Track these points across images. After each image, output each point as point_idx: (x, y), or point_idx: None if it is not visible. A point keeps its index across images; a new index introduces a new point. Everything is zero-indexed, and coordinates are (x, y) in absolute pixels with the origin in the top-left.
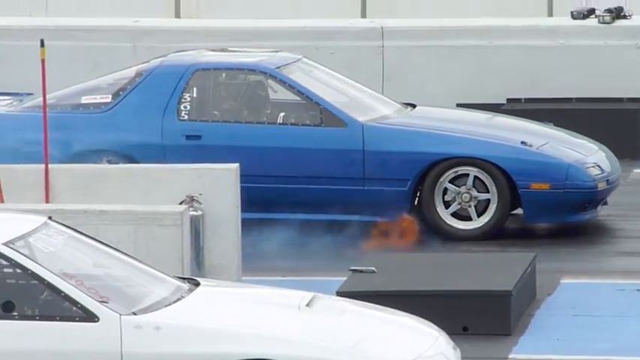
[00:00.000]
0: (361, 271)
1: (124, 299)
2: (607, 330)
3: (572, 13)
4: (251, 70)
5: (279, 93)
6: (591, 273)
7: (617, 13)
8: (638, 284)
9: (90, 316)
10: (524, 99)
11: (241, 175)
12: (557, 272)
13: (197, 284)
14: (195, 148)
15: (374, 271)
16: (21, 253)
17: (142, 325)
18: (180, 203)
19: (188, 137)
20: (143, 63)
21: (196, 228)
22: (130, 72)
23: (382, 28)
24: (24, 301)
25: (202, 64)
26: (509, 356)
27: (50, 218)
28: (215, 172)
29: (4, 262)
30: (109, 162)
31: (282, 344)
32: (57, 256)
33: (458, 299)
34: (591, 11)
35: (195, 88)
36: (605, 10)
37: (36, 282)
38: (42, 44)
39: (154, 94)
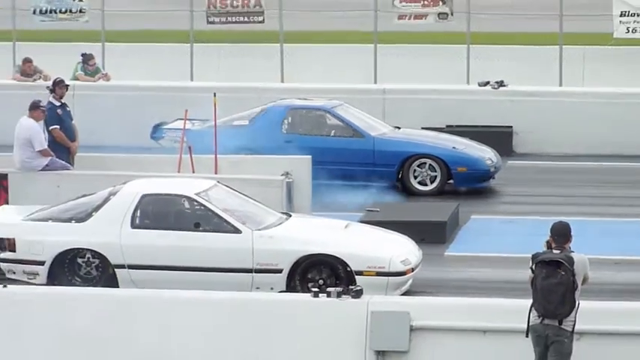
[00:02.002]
0: (371, 211)
1: (254, 222)
2: (496, 241)
3: (478, 82)
4: (317, 109)
5: (331, 120)
6: (487, 213)
7: (501, 83)
8: (512, 218)
9: (237, 231)
10: (455, 125)
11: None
12: (470, 212)
13: (290, 216)
14: (290, 147)
15: (378, 211)
16: (203, 198)
17: (262, 235)
18: (282, 175)
19: (286, 141)
20: (263, 105)
21: (289, 188)
22: (258, 109)
23: (385, 89)
24: (204, 222)
25: (293, 105)
26: (445, 253)
27: (218, 182)
28: (299, 160)
29: (195, 203)
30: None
31: (333, 246)
32: (221, 200)
33: (420, 224)
34: (487, 82)
35: (290, 117)
36: (495, 81)
37: (210, 213)
38: (214, 95)
39: (269, 120)
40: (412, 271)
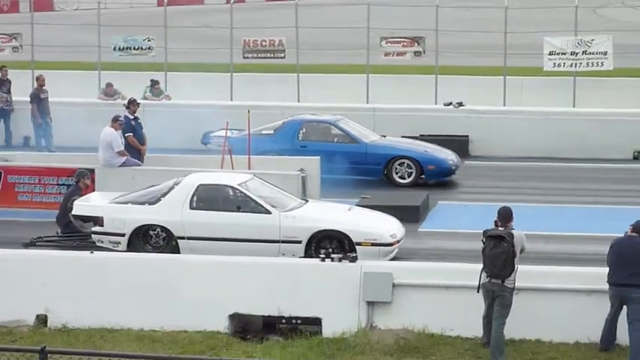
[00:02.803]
0: (364, 198)
1: (281, 206)
2: (457, 221)
3: (443, 103)
4: (325, 122)
5: (334, 131)
6: (450, 199)
7: (460, 104)
8: (469, 204)
9: (268, 212)
10: (426, 134)
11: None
12: (437, 199)
13: (307, 201)
14: (304, 151)
15: (369, 198)
16: (243, 188)
17: (287, 215)
18: (298, 171)
19: (301, 147)
20: (284, 119)
21: (303, 180)
22: (280, 122)
23: (374, 108)
24: (244, 206)
25: (307, 119)
26: (418, 229)
27: (254, 176)
28: (310, 160)
29: (237, 191)
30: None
31: (339, 223)
32: (256, 189)
33: (400, 208)
34: (450, 103)
35: (304, 129)
36: (456, 102)
37: (249, 199)
38: (248, 111)
39: (288, 130)
40: (398, 242)
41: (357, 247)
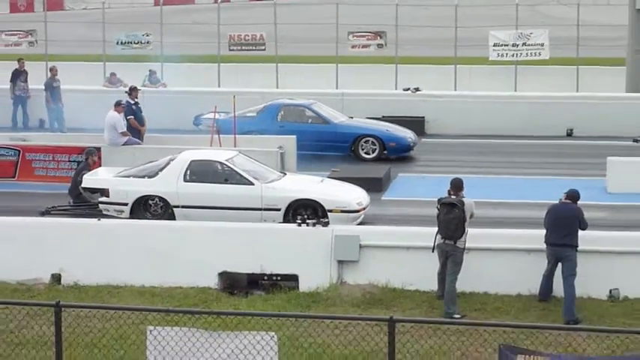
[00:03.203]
0: (334, 171)
1: (262, 178)
2: (415, 190)
3: (403, 88)
4: (300, 105)
5: (309, 113)
6: (409, 172)
7: (417, 89)
8: (425, 175)
9: (251, 184)
10: (388, 116)
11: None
12: (397, 171)
13: (285, 174)
14: (282, 131)
15: (338, 171)
16: (230, 162)
17: (268, 187)
18: (277, 148)
19: (280, 127)
20: (265, 103)
21: (282, 156)
22: (262, 106)
23: (343, 93)
24: (231, 178)
25: (286, 103)
26: (381, 198)
27: (239, 152)
28: (288, 139)
29: (225, 165)
30: (256, 134)
31: (313, 193)
32: (241, 164)
33: (365, 180)
34: (408, 88)
35: (283, 111)
36: (414, 87)
37: (234, 173)
38: (234, 97)
39: (269, 113)
40: (364, 209)
41: (328, 213)
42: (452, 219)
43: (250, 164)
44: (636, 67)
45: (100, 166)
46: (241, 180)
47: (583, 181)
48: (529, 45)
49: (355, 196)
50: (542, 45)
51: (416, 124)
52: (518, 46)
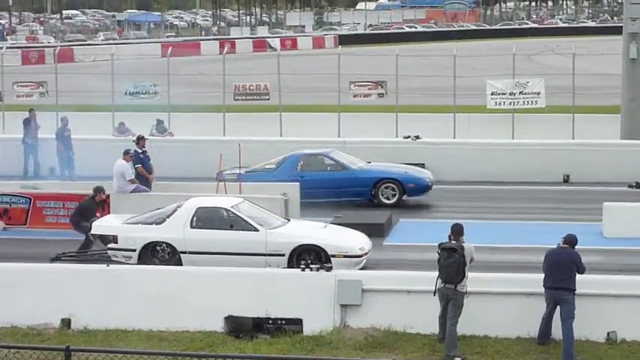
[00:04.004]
0: (338, 217)
1: (267, 224)
2: (416, 235)
3: (403, 136)
4: (320, 154)
5: (327, 161)
6: (410, 218)
7: (417, 137)
8: (426, 221)
9: (256, 230)
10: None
11: (310, 188)
12: (399, 217)
13: (289, 220)
14: (302, 180)
15: (341, 217)
16: (235, 209)
17: (274, 232)
18: (281, 195)
19: (300, 177)
20: (285, 154)
21: (285, 203)
22: (280, 158)
23: (345, 141)
24: (236, 224)
25: (304, 153)
26: (383, 243)
27: (244, 199)
28: (291, 186)
29: (230, 212)
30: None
31: (317, 239)
32: (246, 210)
33: (368, 225)
34: (409, 136)
35: (302, 161)
36: (414, 135)
37: (239, 219)
38: (239, 145)
39: (288, 164)
40: (366, 254)
41: (331, 258)
42: (452, 263)
43: (255, 211)
44: (630, 114)
45: (108, 205)
46: (246, 226)
47: (579, 226)
48: (526, 93)
49: (358, 241)
50: (539, 93)
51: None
52: (515, 94)
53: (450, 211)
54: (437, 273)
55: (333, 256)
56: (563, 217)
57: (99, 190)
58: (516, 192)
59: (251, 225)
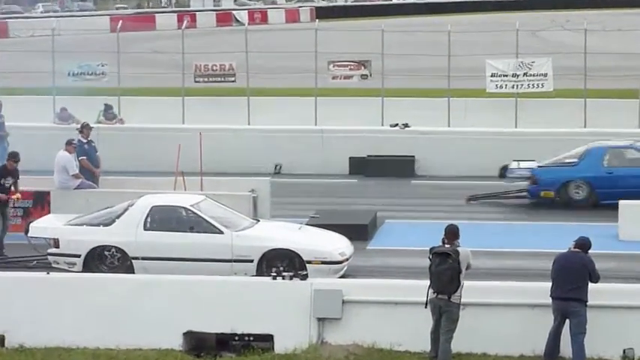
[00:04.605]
0: (314, 217)
1: (233, 226)
2: (404, 239)
3: (390, 124)
4: (628, 147)
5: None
6: (397, 218)
7: (406, 125)
8: (416, 222)
9: (220, 232)
10: (374, 155)
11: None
12: (385, 217)
13: (258, 221)
14: (611, 178)
15: (318, 217)
16: (195, 208)
17: (240, 235)
18: (249, 191)
19: (607, 173)
20: (587, 146)
21: (254, 200)
22: (581, 150)
23: (322, 130)
24: (197, 226)
25: (611, 146)
26: (367, 247)
27: (207, 197)
28: (262, 181)
29: (190, 212)
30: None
31: (290, 242)
32: (209, 210)
33: (349, 227)
34: (396, 124)
35: (608, 155)
36: (402, 123)
37: (200, 220)
38: (200, 134)
39: (593, 158)
40: (347, 260)
41: (307, 265)
42: (445, 270)
43: (219, 210)
44: None
45: (48, 203)
46: (209, 228)
47: (593, 228)
48: (531, 75)
49: (337, 245)
50: (546, 75)
51: (404, 164)
52: (518, 76)
53: (444, 211)
54: (428, 282)
55: (309, 262)
56: (574, 217)
57: (12, 156)
58: (520, 188)
59: (214, 226)
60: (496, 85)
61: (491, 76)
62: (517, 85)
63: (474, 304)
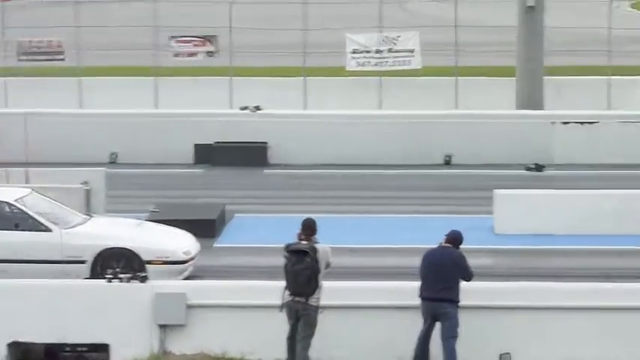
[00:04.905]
0: (154, 212)
1: (62, 222)
2: (256, 235)
3: (239, 107)
4: None
5: None
6: (248, 212)
7: (257, 107)
8: (270, 216)
9: (48, 229)
10: (222, 142)
11: None
12: (234, 211)
13: (91, 217)
14: None
15: (158, 211)
16: (20, 203)
17: (70, 233)
18: (81, 184)
19: None
20: None
21: (87, 194)
22: None
23: (164, 113)
24: (23, 223)
25: None
26: (214, 245)
27: (33, 190)
28: (94, 172)
29: (14, 207)
30: None
31: (127, 240)
32: (36, 205)
33: (194, 222)
34: (246, 107)
35: None
36: (253, 106)
37: (26, 216)
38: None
39: None
40: (192, 260)
41: (147, 265)
42: (302, 270)
43: (46, 205)
44: (528, 78)
45: None
46: (35, 225)
47: (465, 220)
48: (396, 51)
49: (181, 243)
50: (413, 51)
51: (256, 151)
52: (382, 52)
53: (300, 203)
54: (284, 282)
55: (149, 262)
56: (445, 208)
57: None
58: (385, 177)
59: (41, 223)
60: (357, 63)
61: (352, 52)
62: (381, 63)
63: (335, 306)
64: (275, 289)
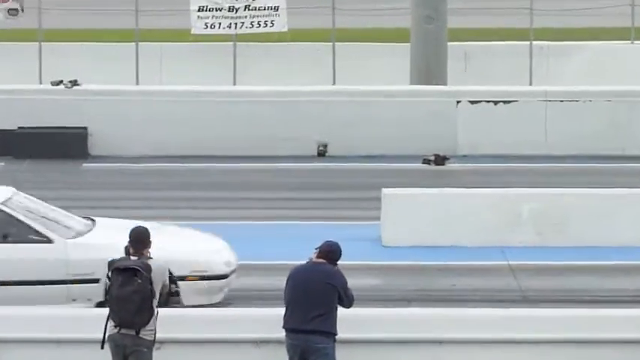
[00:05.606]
0: None
1: (63, 230)
2: None
3: (51, 82)
4: None
5: None
6: None
7: (74, 82)
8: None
9: (49, 240)
10: (28, 127)
11: None
12: None
13: (93, 220)
14: None
15: None
16: (7, 207)
17: (76, 243)
18: None
19: None
20: None
21: None
22: None
23: None
24: (14, 234)
25: None
26: None
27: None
28: None
29: (2, 214)
30: None
31: (166, 251)
32: (25, 208)
33: None
34: (60, 81)
35: None
36: (69, 80)
37: (18, 224)
38: None
39: None
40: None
41: (180, 282)
42: (132, 294)
43: (37, 207)
44: (426, 43)
45: None
46: (30, 235)
47: (345, 228)
48: (255, 9)
49: (221, 252)
50: (277, 9)
51: (72, 139)
52: (237, 10)
53: (128, 207)
54: (107, 310)
55: (183, 278)
56: (318, 213)
57: None
58: (238, 172)
59: (38, 232)
60: (206, 25)
61: (199, 10)
62: (236, 24)
63: (177, 341)
64: (93, 319)
